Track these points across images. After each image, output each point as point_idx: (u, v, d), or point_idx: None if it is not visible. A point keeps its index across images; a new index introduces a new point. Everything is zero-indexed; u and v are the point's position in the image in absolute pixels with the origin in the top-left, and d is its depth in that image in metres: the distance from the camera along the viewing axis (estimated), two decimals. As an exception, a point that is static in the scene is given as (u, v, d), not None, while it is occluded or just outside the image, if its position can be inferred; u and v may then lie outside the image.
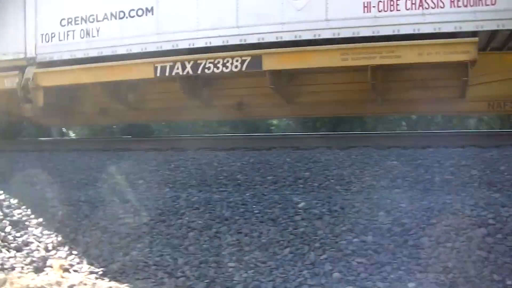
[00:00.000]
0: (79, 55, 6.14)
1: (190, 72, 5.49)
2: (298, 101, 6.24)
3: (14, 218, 3.95)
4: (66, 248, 3.51)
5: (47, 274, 3.22)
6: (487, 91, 5.45)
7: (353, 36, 5.00)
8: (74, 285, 3.05)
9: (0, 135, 7.49)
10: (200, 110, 6.64)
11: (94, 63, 6.03)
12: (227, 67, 5.34)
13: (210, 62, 5.41)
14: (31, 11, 6.35)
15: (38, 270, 3.30)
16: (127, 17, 5.86)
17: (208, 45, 5.47)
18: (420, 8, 4.80)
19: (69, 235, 3.65)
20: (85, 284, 3.07)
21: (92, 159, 5.45)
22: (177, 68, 5.52)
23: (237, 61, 5.30)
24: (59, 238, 3.62)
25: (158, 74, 5.64)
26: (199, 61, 5.45)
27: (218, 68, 5.36)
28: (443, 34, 4.83)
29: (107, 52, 5.97)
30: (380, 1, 4.88)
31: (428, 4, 4.79)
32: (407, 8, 4.82)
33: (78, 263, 3.32)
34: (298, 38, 5.20)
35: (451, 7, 4.76)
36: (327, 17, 5.07)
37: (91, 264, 3.30)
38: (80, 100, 7.05)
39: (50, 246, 3.54)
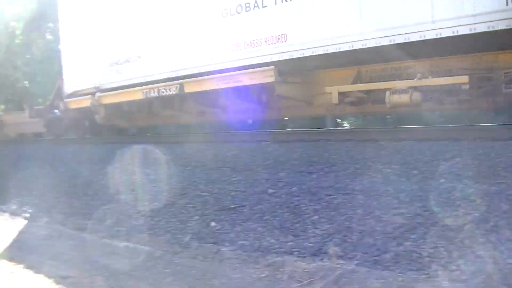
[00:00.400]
0: (115, 85, 10.00)
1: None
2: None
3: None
4: (341, 235, 3.85)
5: (322, 260, 3.68)
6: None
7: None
8: (345, 272, 3.50)
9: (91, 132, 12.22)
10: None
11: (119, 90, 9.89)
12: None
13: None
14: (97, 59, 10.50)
15: (313, 255, 3.79)
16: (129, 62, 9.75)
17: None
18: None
19: (343, 223, 3.97)
20: (357, 272, 3.47)
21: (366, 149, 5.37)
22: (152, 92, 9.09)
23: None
24: (334, 226, 3.98)
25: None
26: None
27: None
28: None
29: (127, 83, 9.69)
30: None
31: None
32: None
33: (351, 251, 3.64)
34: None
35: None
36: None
37: (364, 253, 3.59)
38: (124, 110, 10.53)
39: (325, 233, 3.97)
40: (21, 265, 5.16)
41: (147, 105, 10.32)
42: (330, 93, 6.84)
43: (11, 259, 5.42)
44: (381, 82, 6.54)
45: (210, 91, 8.25)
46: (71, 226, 6.62)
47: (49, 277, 4.71)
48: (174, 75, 8.80)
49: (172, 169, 7.14)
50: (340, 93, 6.74)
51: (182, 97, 9.29)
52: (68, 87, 11.59)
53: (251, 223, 4.70)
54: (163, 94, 8.96)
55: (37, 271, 4.95)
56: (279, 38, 7.06)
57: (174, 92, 8.75)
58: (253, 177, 5.69)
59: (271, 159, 6.14)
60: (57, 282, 4.59)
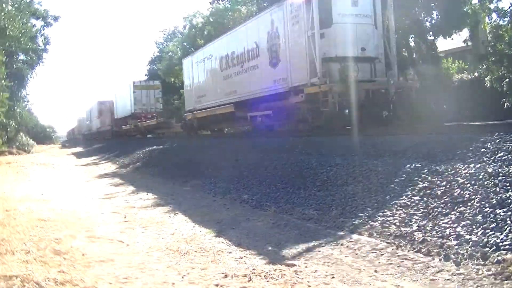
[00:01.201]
0: (199, 108, 23.41)
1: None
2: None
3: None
4: None
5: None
6: None
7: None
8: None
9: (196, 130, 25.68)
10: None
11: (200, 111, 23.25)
12: None
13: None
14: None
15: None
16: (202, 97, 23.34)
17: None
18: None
19: None
20: None
21: None
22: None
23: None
24: None
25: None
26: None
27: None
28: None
29: (203, 107, 22.82)
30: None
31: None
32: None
33: None
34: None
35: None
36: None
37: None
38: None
39: None
40: (248, 251, 5.74)
41: (214, 117, 21.86)
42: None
43: (239, 245, 6.08)
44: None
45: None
46: (297, 216, 7.17)
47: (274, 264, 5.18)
48: (220, 103, 20.43)
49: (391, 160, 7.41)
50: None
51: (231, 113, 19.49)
52: (186, 108, 26.18)
53: None
54: (215, 113, 21.15)
55: (263, 257, 5.47)
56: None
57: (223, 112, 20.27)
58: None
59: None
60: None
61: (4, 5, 16.19)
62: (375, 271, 4.74)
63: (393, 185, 6.68)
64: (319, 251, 5.58)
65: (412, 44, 21.71)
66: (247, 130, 21.05)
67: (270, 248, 5.89)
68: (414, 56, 21.52)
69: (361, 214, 6.30)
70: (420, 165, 6.90)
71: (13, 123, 35.67)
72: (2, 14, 16.07)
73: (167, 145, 21.39)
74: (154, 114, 36.31)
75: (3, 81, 22.33)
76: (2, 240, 6.25)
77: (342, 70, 13.05)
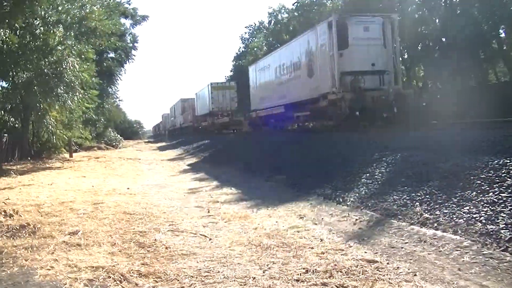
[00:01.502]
0: (261, 108, 28.38)
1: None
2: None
3: None
4: None
5: None
6: None
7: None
8: None
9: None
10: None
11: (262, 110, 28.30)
12: None
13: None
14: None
15: None
16: (263, 98, 28.13)
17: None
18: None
19: None
20: None
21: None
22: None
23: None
24: None
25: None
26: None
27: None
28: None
29: (267, 106, 26.66)
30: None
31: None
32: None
33: None
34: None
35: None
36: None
37: None
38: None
39: None
40: (330, 247, 5.56)
41: (271, 116, 26.05)
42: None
43: (321, 240, 5.99)
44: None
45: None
46: (380, 212, 7.04)
47: (355, 260, 5.13)
48: (275, 105, 25.00)
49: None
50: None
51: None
52: (252, 108, 30.66)
53: None
54: (272, 112, 25.72)
55: (344, 253, 5.42)
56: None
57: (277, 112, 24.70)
58: None
59: None
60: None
61: (94, 7, 17.03)
62: (459, 269, 4.61)
63: (479, 181, 6.37)
64: (402, 247, 5.48)
65: (502, 35, 20.60)
66: (291, 128, 25.56)
67: (352, 244, 5.85)
68: (505, 48, 20.40)
69: (446, 211, 6.08)
70: (509, 161, 6.56)
71: (102, 119, 37.53)
72: (93, 15, 16.90)
73: (247, 141, 21.61)
74: (229, 112, 40.75)
75: (93, 78, 23.50)
76: (90, 232, 6.57)
77: (353, 81, 17.52)
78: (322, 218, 7.46)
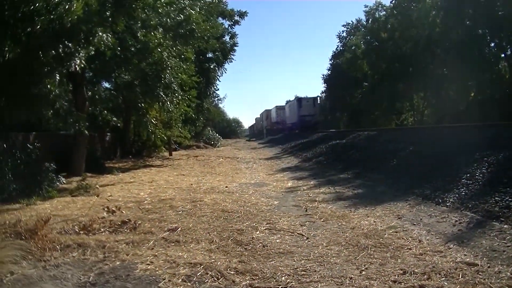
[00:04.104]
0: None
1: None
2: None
3: None
4: None
5: None
6: None
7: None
8: None
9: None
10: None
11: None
12: None
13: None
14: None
15: None
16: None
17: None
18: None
19: None
20: None
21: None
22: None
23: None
24: None
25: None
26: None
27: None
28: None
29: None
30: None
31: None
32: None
33: None
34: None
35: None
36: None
37: None
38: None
39: None
40: (429, 249, 5.39)
41: None
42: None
43: (419, 241, 5.69)
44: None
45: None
46: (482, 213, 6.69)
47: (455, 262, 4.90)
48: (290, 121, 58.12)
49: None
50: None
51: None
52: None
53: None
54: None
55: (443, 255, 5.21)
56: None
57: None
58: None
59: None
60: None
61: (193, 11, 17.53)
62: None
63: None
64: (504, 251, 5.26)
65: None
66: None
67: (451, 245, 5.69)
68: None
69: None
70: None
71: (201, 118, 38.66)
72: (190, 19, 17.40)
73: (349, 140, 21.33)
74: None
75: (193, 77, 24.26)
76: (189, 229, 6.80)
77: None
78: (421, 219, 7.31)
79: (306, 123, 48.56)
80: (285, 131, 55.13)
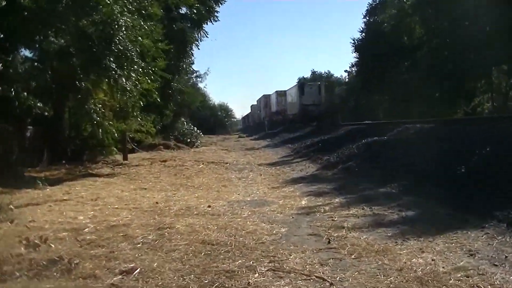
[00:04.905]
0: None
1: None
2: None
3: None
4: None
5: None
6: None
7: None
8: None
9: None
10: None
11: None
12: None
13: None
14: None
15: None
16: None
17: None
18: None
19: None
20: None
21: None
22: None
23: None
24: None
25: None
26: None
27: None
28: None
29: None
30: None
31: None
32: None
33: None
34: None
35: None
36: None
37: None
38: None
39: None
40: None
41: None
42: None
43: None
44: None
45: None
46: None
47: None
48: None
49: None
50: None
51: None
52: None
53: None
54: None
55: None
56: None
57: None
58: None
59: None
60: None
61: None
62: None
63: None
64: None
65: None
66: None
67: None
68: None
69: None
70: None
71: (171, 105, 38.02)
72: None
73: (392, 136, 21.28)
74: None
75: (160, 43, 23.96)
76: (152, 271, 6.78)
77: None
78: (506, 257, 7.26)
79: (309, 114, 53.06)
80: (285, 124, 61.54)
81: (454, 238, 8.34)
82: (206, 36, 40.97)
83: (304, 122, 50.88)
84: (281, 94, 71.03)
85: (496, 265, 6.88)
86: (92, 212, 11.13)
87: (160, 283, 6.29)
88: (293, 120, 59.08)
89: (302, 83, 66.41)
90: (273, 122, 71.32)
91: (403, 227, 9.32)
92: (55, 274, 6.74)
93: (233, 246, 8.01)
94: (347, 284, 6.27)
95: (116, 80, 19.29)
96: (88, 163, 23.89)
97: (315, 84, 62.51)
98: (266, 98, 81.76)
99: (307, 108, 55.60)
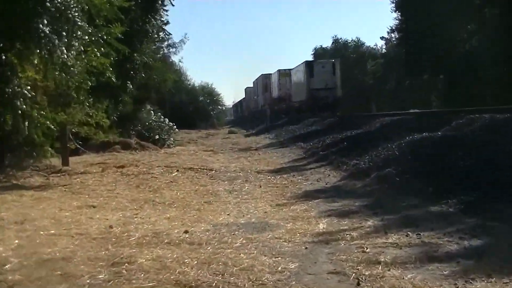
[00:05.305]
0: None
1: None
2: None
3: None
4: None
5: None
6: None
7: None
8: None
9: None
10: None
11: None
12: None
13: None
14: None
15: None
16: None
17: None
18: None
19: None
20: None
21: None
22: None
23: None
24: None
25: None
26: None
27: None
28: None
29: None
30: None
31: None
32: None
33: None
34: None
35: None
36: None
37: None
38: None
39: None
40: None
41: None
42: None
43: None
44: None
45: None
46: None
47: None
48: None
49: None
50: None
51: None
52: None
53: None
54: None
55: None
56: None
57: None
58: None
59: None
60: None
61: None
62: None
63: None
64: None
65: None
66: None
67: None
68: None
69: None
70: None
71: (131, 86, 37.38)
72: None
73: (448, 132, 21.28)
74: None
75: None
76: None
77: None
78: None
79: (320, 102, 54.81)
80: (289, 113, 62.22)
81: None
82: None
83: (313, 112, 51.33)
84: (284, 74, 70.89)
85: None
86: (16, 241, 11.03)
87: None
88: (299, 108, 59.61)
89: (310, 62, 65.12)
90: (274, 111, 73.21)
91: (466, 263, 9.28)
92: None
93: (219, 290, 7.98)
94: None
95: (51, 52, 18.70)
96: (10, 169, 23.21)
97: (328, 62, 61.53)
98: (265, 79, 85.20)
99: (317, 93, 56.25)
